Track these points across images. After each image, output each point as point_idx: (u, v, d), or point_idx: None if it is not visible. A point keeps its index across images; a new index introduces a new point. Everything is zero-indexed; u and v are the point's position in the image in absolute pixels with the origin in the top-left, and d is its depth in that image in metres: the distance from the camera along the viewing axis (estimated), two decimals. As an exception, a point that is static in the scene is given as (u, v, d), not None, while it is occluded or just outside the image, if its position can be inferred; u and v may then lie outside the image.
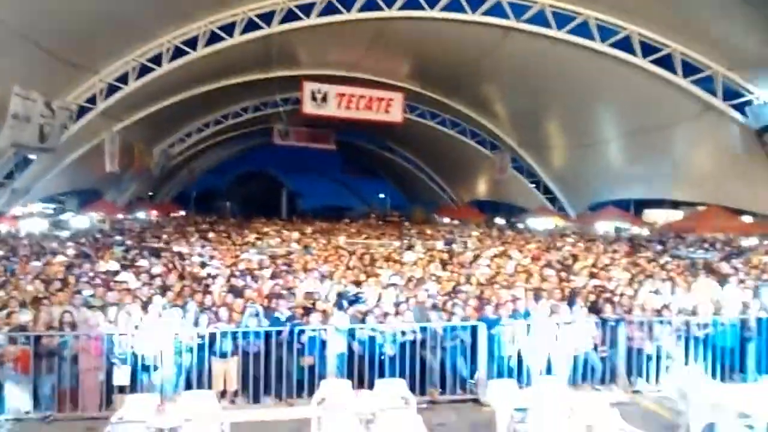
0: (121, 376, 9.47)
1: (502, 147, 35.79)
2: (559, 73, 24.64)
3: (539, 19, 21.55)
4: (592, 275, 16.08)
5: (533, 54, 23.60)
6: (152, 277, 14.23)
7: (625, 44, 21.32)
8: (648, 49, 21.07)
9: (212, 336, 9.90)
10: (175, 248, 21.37)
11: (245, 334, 10.04)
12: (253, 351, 9.98)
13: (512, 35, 22.51)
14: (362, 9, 21.81)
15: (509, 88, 29.31)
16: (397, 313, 10.85)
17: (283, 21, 21.93)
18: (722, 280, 14.84)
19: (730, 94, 20.49)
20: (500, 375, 10.05)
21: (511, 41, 23.04)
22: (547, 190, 35.48)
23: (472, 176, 43.30)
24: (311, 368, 10.14)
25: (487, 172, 40.05)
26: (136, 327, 9.99)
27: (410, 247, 23.55)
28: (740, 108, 20.26)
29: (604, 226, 31.57)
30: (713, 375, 10.22)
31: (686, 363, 10.78)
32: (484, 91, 31.10)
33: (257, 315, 10.58)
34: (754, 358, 11.14)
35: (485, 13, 21.74)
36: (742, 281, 14.59)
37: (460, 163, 42.02)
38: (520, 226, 37.36)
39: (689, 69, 20.84)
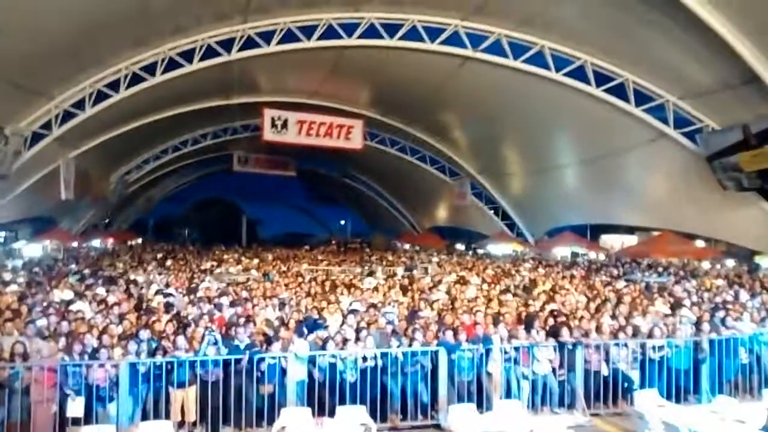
0: (75, 407, 9.21)
1: (462, 174, 36.20)
2: (516, 102, 25.13)
3: (496, 48, 21.96)
4: (550, 300, 16.27)
5: (491, 83, 24.02)
6: (108, 306, 13.96)
7: (579, 73, 21.82)
8: (601, 79, 21.61)
9: (170, 365, 9.73)
10: (132, 277, 21.01)
11: (204, 363, 9.90)
12: (211, 380, 9.84)
13: (470, 64, 22.88)
14: (322, 37, 21.93)
15: (468, 115, 29.71)
16: (357, 340, 10.83)
17: (243, 48, 21.91)
18: (676, 303, 15.17)
19: (682, 122, 21.10)
20: (461, 400, 10.07)
21: (469, 70, 23.42)
22: (505, 216, 35.95)
23: (433, 203, 43.63)
24: (271, 396, 10.03)
25: (447, 199, 40.40)
26: (91, 357, 9.76)
27: (371, 274, 23.57)
28: (691, 135, 20.87)
29: (562, 251, 32.03)
30: (668, 396, 10.39)
31: (642, 385, 10.95)
32: (443, 118, 31.44)
33: (216, 343, 10.43)
34: (707, 379, 11.37)
35: (443, 43, 22.08)
36: (695, 304, 14.94)
37: (421, 189, 42.35)
38: (480, 251, 37.67)
39: (641, 98, 21.41)
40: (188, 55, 21.92)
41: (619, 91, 21.62)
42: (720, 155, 19.75)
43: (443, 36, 21.96)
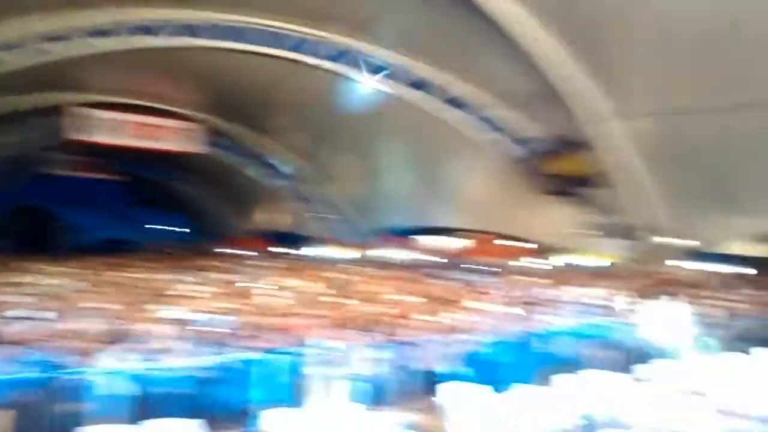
0: None
1: (292, 177, 36.15)
2: (342, 107, 25.53)
3: (321, 52, 22.20)
4: (373, 300, 16.63)
5: (319, 87, 24.29)
6: None
7: (404, 80, 22.61)
8: (425, 85, 22.53)
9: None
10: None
11: (9, 383, 9.12)
12: (21, 401, 9.07)
13: (299, 68, 22.98)
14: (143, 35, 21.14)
15: (297, 119, 29.80)
16: (177, 349, 10.48)
17: (72, 45, 20.53)
18: (496, 300, 16.15)
19: (500, 128, 22.51)
20: (281, 404, 9.97)
21: (298, 75, 23.62)
22: (335, 219, 36.34)
23: (262, 207, 43.30)
24: (91, 415, 9.42)
25: (276, 203, 40.21)
26: None
27: (194, 280, 22.83)
28: (509, 142, 22.38)
29: (387, 252, 32.93)
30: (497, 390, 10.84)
31: (473, 380, 11.39)
32: (273, 122, 31.38)
33: (23, 361, 9.65)
34: (519, 368, 12.11)
35: (271, 46, 21.98)
36: (514, 300, 15.99)
37: (250, 194, 42.00)
38: (309, 255, 37.76)
39: (463, 104, 22.58)
40: (11, 49, 20.09)
41: (443, 98, 22.65)
42: (532, 161, 21.34)
43: (271, 39, 21.87)
